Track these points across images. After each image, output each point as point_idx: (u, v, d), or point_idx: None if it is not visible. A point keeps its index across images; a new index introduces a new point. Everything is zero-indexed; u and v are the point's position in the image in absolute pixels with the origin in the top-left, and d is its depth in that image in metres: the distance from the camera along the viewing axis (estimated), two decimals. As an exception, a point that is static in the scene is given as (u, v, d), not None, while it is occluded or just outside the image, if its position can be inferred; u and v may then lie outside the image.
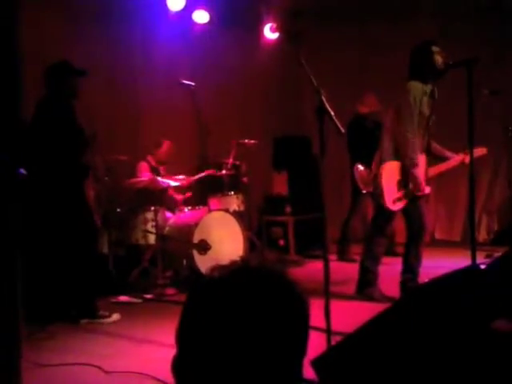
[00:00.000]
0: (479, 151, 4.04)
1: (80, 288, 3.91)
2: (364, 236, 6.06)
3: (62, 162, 3.84)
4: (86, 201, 4.08)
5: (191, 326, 0.95)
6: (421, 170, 4.06)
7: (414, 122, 3.93)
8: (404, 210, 4.14)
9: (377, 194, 4.07)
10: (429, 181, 4.16)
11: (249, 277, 0.95)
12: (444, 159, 4.22)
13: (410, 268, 4.18)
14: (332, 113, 2.52)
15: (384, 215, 4.15)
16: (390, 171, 4.04)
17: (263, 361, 0.90)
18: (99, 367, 3.03)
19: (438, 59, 3.91)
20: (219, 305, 0.92)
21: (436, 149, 4.23)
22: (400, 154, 4.00)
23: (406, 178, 4.04)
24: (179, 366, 0.95)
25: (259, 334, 0.90)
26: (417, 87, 3.94)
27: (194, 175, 5.45)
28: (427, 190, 4.16)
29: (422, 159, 4.09)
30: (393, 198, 4.02)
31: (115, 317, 3.97)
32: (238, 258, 1.00)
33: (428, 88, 3.99)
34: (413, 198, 4.09)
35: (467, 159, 3.96)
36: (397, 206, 4.06)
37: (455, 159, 4.20)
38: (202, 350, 0.91)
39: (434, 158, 4.22)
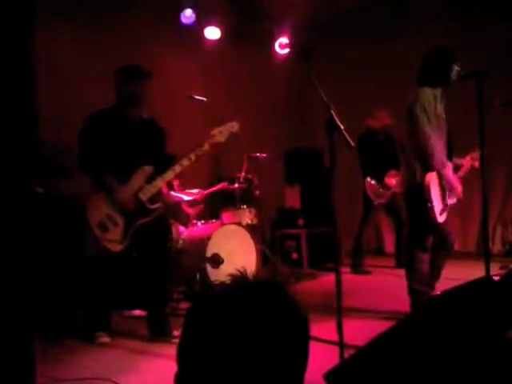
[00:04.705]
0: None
1: (96, 301, 3.89)
2: (399, 259, 5.98)
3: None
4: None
5: (189, 343, 0.95)
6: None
7: (431, 123, 3.75)
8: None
9: (427, 208, 3.77)
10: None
11: (245, 293, 0.95)
12: (459, 167, 4.19)
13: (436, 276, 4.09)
14: (342, 127, 2.54)
15: (429, 230, 3.91)
16: (434, 182, 3.82)
17: (262, 376, 0.90)
18: (114, 382, 3.04)
19: (454, 74, 3.87)
20: (215, 322, 0.92)
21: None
22: (427, 156, 3.75)
23: (444, 187, 3.91)
24: (179, 382, 0.96)
25: (257, 349, 0.90)
26: (426, 93, 3.82)
27: (207, 189, 5.48)
28: (454, 200, 4.05)
29: (449, 167, 3.96)
30: (439, 210, 3.84)
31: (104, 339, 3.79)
32: (236, 272, 0.99)
33: (438, 92, 3.88)
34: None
35: (476, 163, 3.99)
36: (442, 218, 3.88)
37: (465, 166, 4.21)
38: (201, 367, 0.92)
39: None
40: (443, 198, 3.91)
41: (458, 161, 4.25)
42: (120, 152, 3.73)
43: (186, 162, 3.81)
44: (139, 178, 3.74)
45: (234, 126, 4.06)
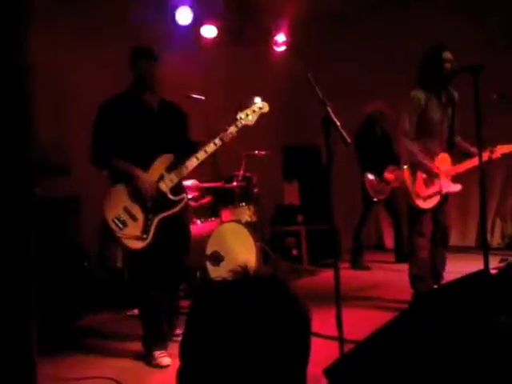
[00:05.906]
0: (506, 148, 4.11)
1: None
2: (399, 254, 6.08)
3: None
4: None
5: (191, 339, 0.96)
6: (445, 166, 4.11)
7: (412, 128, 3.97)
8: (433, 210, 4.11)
9: (408, 198, 4.09)
10: (457, 178, 4.17)
11: (246, 289, 0.96)
12: (471, 155, 4.21)
13: (436, 272, 4.18)
14: (338, 123, 2.55)
15: (418, 216, 4.08)
16: (411, 173, 4.08)
17: (264, 371, 0.91)
18: (117, 381, 3.05)
19: (447, 66, 3.92)
20: (216, 318, 0.93)
21: (462, 145, 4.24)
22: (398, 152, 4.15)
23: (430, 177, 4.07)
24: (182, 378, 0.97)
25: (258, 345, 0.91)
26: (418, 96, 3.97)
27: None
28: (458, 187, 4.18)
29: (445, 157, 4.12)
30: (423, 196, 4.03)
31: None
32: (238, 268, 1.00)
33: (431, 93, 4.01)
34: (444, 198, 4.11)
35: (494, 155, 4.04)
36: (428, 204, 4.05)
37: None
38: (203, 363, 0.93)
39: (461, 155, 4.23)
40: (428, 186, 4.05)
41: (473, 149, 4.18)
42: (137, 138, 3.38)
43: (210, 148, 3.50)
44: (159, 167, 3.39)
45: (264, 107, 3.83)
